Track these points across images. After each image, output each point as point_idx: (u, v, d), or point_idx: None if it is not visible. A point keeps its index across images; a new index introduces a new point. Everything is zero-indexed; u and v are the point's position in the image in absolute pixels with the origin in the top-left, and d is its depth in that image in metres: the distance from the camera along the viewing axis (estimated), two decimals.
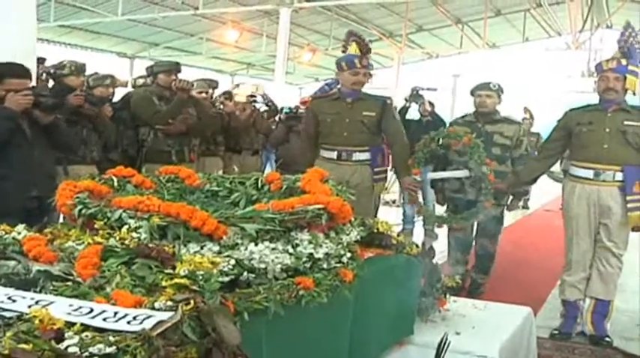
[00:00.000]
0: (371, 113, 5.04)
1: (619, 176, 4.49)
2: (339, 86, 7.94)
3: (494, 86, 5.65)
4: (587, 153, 4.57)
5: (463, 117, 5.87)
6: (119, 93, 6.43)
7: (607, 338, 4.62)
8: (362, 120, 5.02)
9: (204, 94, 6.95)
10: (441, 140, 5.19)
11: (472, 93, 5.74)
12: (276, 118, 8.24)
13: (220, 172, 3.33)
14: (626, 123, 4.49)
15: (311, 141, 5.26)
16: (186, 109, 5.99)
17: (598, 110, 4.61)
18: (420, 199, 5.79)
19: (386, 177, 5.26)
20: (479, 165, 5.05)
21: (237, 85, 8.92)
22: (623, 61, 4.53)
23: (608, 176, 4.50)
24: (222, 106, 7.24)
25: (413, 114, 8.53)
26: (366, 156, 5.04)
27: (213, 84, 7.43)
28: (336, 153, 5.07)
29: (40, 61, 6.24)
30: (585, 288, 4.70)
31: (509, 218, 11.54)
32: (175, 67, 6.08)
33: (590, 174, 4.55)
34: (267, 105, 8.31)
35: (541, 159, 5.09)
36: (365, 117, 5.03)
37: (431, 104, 8.00)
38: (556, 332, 4.76)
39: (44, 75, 5.93)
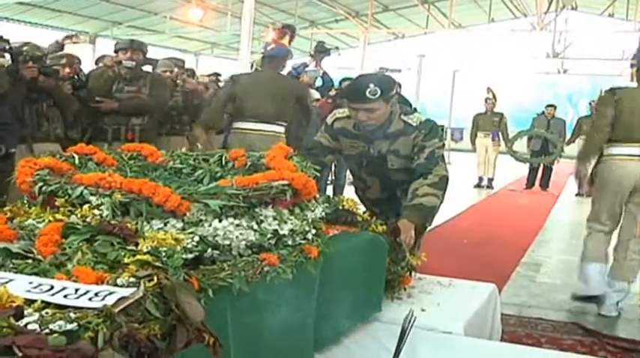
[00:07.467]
0: None
1: None
2: (307, 68, 8.14)
3: (374, 92, 3.41)
4: (632, 132, 4.62)
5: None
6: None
7: None
8: None
9: (168, 73, 6.92)
10: None
11: (345, 99, 3.92)
12: None
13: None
14: None
15: None
16: (138, 87, 5.88)
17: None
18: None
19: None
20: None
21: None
22: None
23: None
24: (183, 83, 7.19)
25: None
26: None
27: (179, 63, 7.50)
28: None
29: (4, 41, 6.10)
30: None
31: (475, 198, 11.71)
32: (130, 45, 5.93)
33: (636, 151, 4.62)
34: None
35: (603, 132, 4.75)
36: None
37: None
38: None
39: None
